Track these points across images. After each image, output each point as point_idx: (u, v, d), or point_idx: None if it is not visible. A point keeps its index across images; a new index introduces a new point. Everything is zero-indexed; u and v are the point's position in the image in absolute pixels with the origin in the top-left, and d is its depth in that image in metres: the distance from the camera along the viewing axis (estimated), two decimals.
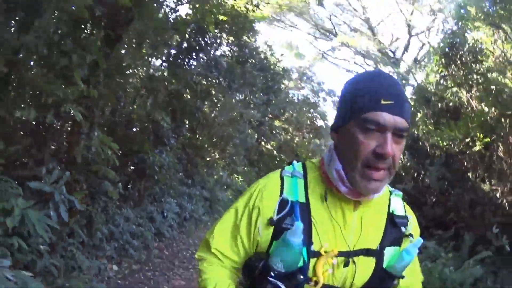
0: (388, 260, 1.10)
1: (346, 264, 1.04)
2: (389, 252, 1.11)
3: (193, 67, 6.63)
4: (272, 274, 0.98)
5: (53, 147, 3.32)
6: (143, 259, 4.64)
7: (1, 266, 2.00)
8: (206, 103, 9.04)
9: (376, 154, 0.96)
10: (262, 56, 10.05)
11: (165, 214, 6.07)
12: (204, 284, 1.07)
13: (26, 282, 2.08)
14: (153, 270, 4.61)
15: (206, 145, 10.22)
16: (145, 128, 5.08)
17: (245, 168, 14.58)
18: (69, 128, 3.28)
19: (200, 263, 1.14)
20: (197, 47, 5.97)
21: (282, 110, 18.06)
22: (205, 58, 6.26)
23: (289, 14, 17.23)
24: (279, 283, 0.98)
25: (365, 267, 1.07)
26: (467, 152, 6.88)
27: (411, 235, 1.15)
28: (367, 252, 1.07)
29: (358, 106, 0.99)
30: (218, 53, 7.20)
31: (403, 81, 11.00)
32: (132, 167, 5.32)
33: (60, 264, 3.09)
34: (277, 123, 19.11)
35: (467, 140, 6.84)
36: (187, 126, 8.52)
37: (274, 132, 18.00)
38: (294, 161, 1.14)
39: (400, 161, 1.12)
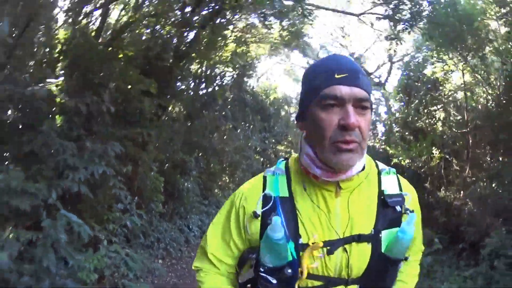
0: (386, 244, 1.05)
1: (329, 252, 1.01)
2: (387, 235, 1.05)
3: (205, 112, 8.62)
4: (262, 269, 1.01)
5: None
6: (178, 257, 6.49)
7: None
8: (215, 135, 10.96)
9: (341, 127, 0.94)
10: (260, 98, 11.98)
11: (190, 227, 7.92)
12: None
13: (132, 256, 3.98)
14: (185, 265, 6.47)
15: (217, 172, 12.10)
16: (176, 165, 7.00)
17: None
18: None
19: (197, 274, 1.14)
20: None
21: (285, 135, 19.88)
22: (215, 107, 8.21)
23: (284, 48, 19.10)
24: (269, 278, 1.00)
25: (360, 253, 1.03)
26: (425, 166, 8.71)
27: (408, 210, 1.10)
28: (359, 238, 1.03)
29: (315, 86, 0.99)
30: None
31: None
32: (165, 192, 7.24)
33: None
34: (280, 147, 20.94)
35: (424, 157, 8.65)
36: (201, 157, 10.41)
37: (277, 156, 19.90)
38: (279, 160, 1.17)
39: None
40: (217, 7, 5.48)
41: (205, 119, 7.61)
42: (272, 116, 13.03)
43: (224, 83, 8.92)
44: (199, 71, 7.92)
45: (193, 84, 8.39)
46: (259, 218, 1.05)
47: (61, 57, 3.70)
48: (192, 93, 7.75)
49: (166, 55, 4.96)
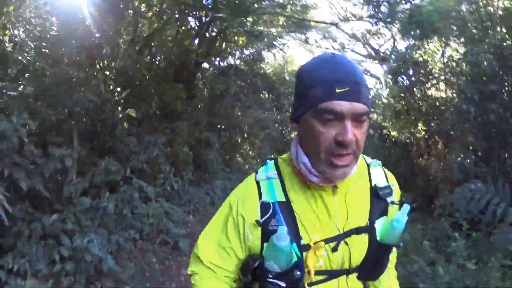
0: (380, 232, 1.12)
1: (334, 250, 1.06)
2: (379, 224, 1.13)
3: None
4: (270, 276, 1.03)
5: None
6: (205, 214, 8.39)
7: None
8: (235, 111, 12.62)
9: (337, 142, 0.95)
10: (271, 80, 13.51)
11: (214, 190, 9.79)
12: None
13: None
14: (209, 219, 8.37)
15: (238, 143, 13.87)
16: (201, 140, 8.80)
17: (272, 155, 18.24)
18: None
19: (192, 278, 1.16)
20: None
21: None
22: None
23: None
24: (279, 282, 1.02)
25: (359, 244, 1.10)
26: (412, 138, 10.17)
27: (396, 202, 1.18)
28: (357, 231, 1.09)
29: (313, 97, 0.97)
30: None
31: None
32: (194, 164, 9.07)
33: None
34: None
35: (413, 130, 10.10)
36: (223, 131, 12.15)
37: None
38: (268, 161, 1.19)
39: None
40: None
41: (224, 100, 9.29)
42: (282, 95, 14.46)
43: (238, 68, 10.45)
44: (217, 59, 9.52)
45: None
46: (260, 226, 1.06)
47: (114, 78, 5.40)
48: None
49: (189, 62, 6.63)
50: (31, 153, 2.97)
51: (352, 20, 10.16)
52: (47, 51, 3.53)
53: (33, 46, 3.52)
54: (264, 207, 1.07)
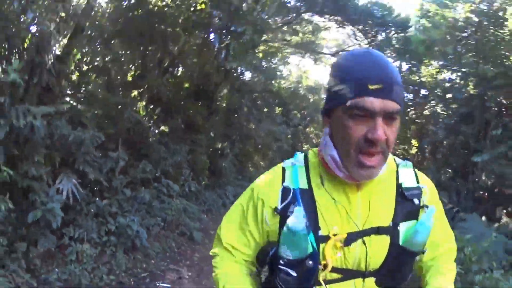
0: (404, 236, 1.06)
1: (347, 243, 1.02)
2: (405, 227, 1.07)
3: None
4: (282, 262, 1.02)
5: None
6: (217, 213, 9.59)
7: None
8: (248, 124, 13.84)
9: (367, 139, 0.94)
10: (282, 96, 14.77)
11: (226, 194, 10.99)
12: (217, 278, 1.14)
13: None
14: (221, 218, 9.57)
15: (251, 153, 15.07)
16: (217, 150, 10.04)
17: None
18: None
19: (213, 259, 1.19)
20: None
21: (312, 119, 22.51)
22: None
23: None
24: (290, 270, 1.01)
25: (378, 246, 1.05)
26: (405, 154, 11.26)
27: (426, 206, 1.10)
28: (378, 231, 1.04)
29: (345, 92, 0.95)
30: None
31: None
32: (209, 170, 10.33)
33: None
34: (311, 129, 23.64)
35: (407, 147, 11.18)
36: (238, 141, 13.37)
37: (307, 137, 22.71)
38: (297, 152, 1.18)
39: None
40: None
41: (238, 114, 10.55)
42: (291, 111, 15.62)
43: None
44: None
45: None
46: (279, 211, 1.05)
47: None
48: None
49: (210, 83, 7.91)
50: (95, 155, 4.24)
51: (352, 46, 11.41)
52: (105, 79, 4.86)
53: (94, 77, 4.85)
54: (285, 192, 1.07)
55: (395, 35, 9.80)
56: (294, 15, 10.47)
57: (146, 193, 5.27)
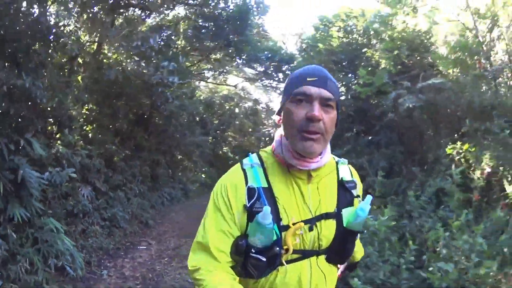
0: (347, 220, 1.34)
1: (310, 229, 1.27)
2: (346, 212, 1.35)
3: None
4: (253, 251, 1.20)
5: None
6: (159, 209, 12.63)
7: None
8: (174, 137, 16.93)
9: (307, 117, 1.18)
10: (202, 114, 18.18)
11: (164, 195, 14.06)
12: None
13: None
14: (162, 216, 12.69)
15: (179, 159, 18.20)
16: (153, 161, 13.10)
17: (205, 168, 22.75)
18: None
19: (196, 273, 1.21)
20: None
21: (228, 124, 26.03)
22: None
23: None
24: (260, 256, 1.19)
25: (327, 228, 1.31)
26: None
27: (359, 195, 1.42)
28: (326, 216, 1.30)
29: (290, 87, 1.25)
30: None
31: None
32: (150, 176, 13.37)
33: None
34: (229, 133, 27.19)
35: None
36: (168, 152, 16.42)
37: (225, 141, 26.34)
38: (250, 153, 1.38)
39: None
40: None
41: (168, 132, 13.70)
42: (208, 121, 19.10)
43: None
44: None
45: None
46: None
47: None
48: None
49: (145, 114, 11.02)
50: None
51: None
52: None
53: None
54: (250, 191, 1.24)
55: (285, 66, 13.71)
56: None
57: (120, 194, 8.37)
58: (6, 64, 5.04)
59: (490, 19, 6.61)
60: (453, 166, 5.58)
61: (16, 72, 4.81)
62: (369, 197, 1.34)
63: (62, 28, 6.39)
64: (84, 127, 8.00)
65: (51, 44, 5.95)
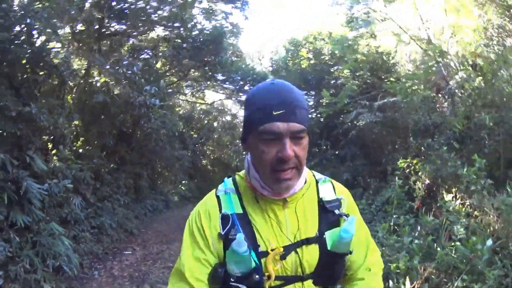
0: (331, 242, 1.26)
1: (283, 257, 1.20)
2: (330, 235, 1.27)
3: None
4: (232, 279, 1.16)
5: None
6: (143, 220, 13.33)
7: None
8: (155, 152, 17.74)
9: (279, 158, 1.11)
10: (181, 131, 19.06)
11: (146, 206, 14.75)
12: None
13: None
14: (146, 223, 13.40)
15: (160, 171, 18.92)
16: (136, 174, 13.84)
17: (185, 181, 23.47)
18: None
19: None
20: None
21: (207, 138, 26.89)
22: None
23: None
24: (240, 285, 1.15)
25: (310, 253, 1.24)
26: None
27: (345, 214, 1.30)
28: (307, 241, 1.24)
29: (254, 120, 1.14)
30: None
31: None
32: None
33: None
34: (208, 146, 28.03)
35: None
36: (149, 164, 17.15)
37: (204, 154, 27.16)
38: (225, 179, 1.34)
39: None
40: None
41: (149, 147, 14.51)
42: (187, 138, 19.99)
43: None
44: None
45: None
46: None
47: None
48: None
49: (128, 130, 11.85)
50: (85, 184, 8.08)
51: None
52: None
53: None
54: (224, 218, 1.21)
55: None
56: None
57: (107, 204, 9.14)
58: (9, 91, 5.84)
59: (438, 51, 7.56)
60: (396, 178, 6.65)
61: (20, 98, 5.63)
62: (352, 218, 1.27)
63: (55, 55, 7.20)
64: (74, 143, 8.76)
65: (46, 70, 6.78)
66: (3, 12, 4.90)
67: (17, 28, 5.65)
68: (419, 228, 4.80)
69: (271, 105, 1.11)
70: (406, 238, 4.30)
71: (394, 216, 5.57)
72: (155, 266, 7.63)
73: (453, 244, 4.00)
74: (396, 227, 5.39)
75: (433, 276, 3.62)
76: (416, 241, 4.44)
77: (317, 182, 1.36)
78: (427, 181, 6.15)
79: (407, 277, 3.63)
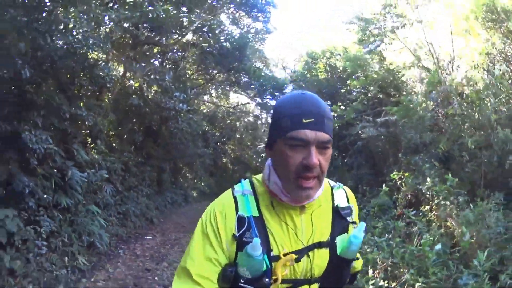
0: (341, 248, 1.29)
1: (297, 260, 1.21)
2: (340, 240, 1.31)
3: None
4: (242, 281, 1.16)
5: None
6: (162, 210, 14.50)
7: None
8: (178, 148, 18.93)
9: (304, 165, 1.13)
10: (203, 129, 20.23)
11: (166, 198, 15.92)
12: None
13: None
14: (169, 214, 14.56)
15: (182, 167, 20.12)
16: (160, 168, 15.03)
17: (205, 177, 24.61)
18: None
19: None
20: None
21: (229, 137, 27.97)
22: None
23: None
24: (249, 287, 1.15)
25: (320, 257, 1.27)
26: None
27: (354, 222, 1.37)
28: (319, 245, 1.26)
29: (284, 126, 1.16)
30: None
31: None
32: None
33: None
34: (229, 145, 29.10)
35: None
36: (172, 161, 18.35)
37: (225, 153, 28.25)
38: (242, 180, 1.34)
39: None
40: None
41: (174, 144, 15.71)
42: (210, 137, 21.15)
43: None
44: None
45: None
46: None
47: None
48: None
49: (155, 127, 13.04)
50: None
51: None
52: None
53: None
54: (240, 220, 1.21)
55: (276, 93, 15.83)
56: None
57: (133, 194, 10.32)
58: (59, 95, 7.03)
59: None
60: (383, 186, 7.54)
61: (68, 101, 6.80)
62: (362, 224, 1.31)
63: (98, 62, 8.40)
64: (109, 138, 9.99)
65: (90, 75, 7.95)
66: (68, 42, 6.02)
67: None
68: (392, 232, 5.69)
69: (301, 113, 1.15)
70: (377, 238, 5.21)
71: (375, 219, 6.46)
72: (173, 249, 8.72)
73: (420, 247, 4.87)
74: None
75: (389, 268, 4.52)
76: (390, 242, 5.34)
77: (332, 188, 1.40)
78: (409, 193, 7.01)
79: (369, 266, 4.55)
